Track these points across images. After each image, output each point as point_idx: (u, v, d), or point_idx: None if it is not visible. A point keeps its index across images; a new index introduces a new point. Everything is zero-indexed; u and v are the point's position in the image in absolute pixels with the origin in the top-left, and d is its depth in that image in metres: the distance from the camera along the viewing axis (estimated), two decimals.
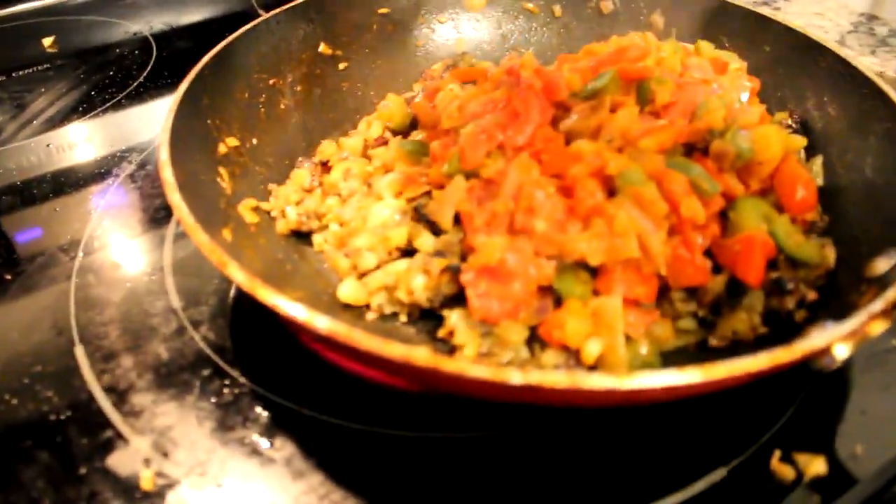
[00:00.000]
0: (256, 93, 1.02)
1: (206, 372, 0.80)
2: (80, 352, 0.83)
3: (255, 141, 0.98)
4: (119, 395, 0.78)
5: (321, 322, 0.59)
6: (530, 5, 1.23)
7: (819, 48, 0.99)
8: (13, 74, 1.39)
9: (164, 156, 0.75)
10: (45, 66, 1.41)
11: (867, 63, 1.24)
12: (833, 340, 0.62)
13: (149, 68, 1.40)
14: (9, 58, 1.44)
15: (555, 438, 0.73)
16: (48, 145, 1.19)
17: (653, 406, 0.71)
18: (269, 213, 0.93)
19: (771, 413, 0.75)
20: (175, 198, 0.71)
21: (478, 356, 0.74)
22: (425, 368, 0.56)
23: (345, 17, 1.14)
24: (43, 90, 1.33)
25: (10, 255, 0.98)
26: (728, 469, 0.70)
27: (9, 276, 0.94)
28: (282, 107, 1.05)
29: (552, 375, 0.55)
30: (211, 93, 0.92)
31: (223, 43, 0.96)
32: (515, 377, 0.55)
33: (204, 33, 1.51)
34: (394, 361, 0.57)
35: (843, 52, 0.97)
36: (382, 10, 1.18)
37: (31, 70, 1.40)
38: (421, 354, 0.56)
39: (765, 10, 1.32)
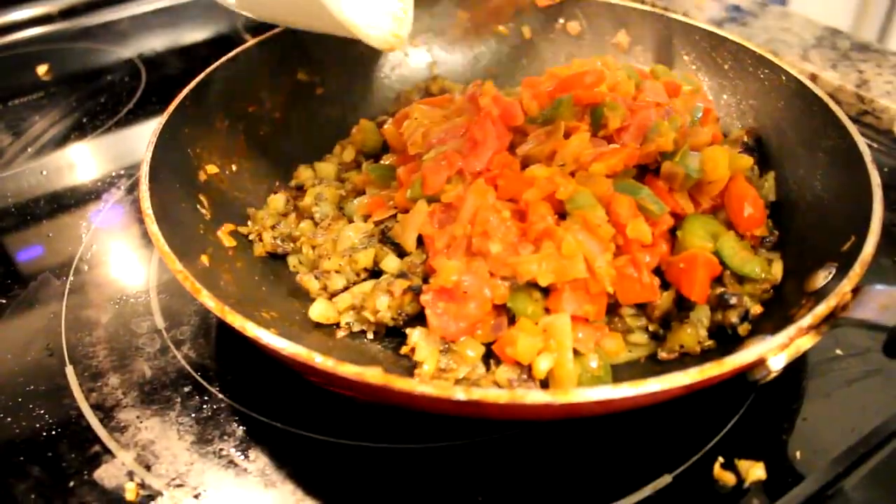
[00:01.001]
0: (236, 120, 1.06)
1: (186, 389, 0.85)
2: (70, 371, 0.88)
3: (234, 167, 1.03)
4: (106, 412, 0.83)
5: (283, 345, 0.64)
6: (500, 28, 1.27)
7: (773, 66, 1.04)
8: (9, 103, 1.44)
9: (143, 187, 0.80)
10: (39, 93, 1.46)
11: (828, 77, 1.28)
12: (762, 355, 0.66)
13: (139, 93, 1.44)
14: (5, 87, 1.48)
15: (510, 448, 0.77)
16: (42, 172, 1.24)
17: (602, 417, 0.76)
18: (246, 236, 0.97)
19: (715, 422, 0.79)
20: (153, 228, 0.76)
21: (437, 371, 0.79)
22: (377, 386, 0.61)
23: (321, 44, 1.17)
24: (37, 118, 1.38)
25: (4, 278, 1.03)
26: (673, 476, 0.74)
27: (2, 300, 0.99)
28: (261, 133, 1.10)
29: (493, 392, 0.60)
30: (192, 122, 0.97)
31: (203, 74, 1.01)
32: (459, 394, 0.60)
33: (191, 57, 1.56)
34: (348, 380, 0.62)
35: (796, 71, 1.01)
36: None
37: (26, 98, 1.45)
38: (373, 374, 0.61)
39: (730, 27, 1.37)
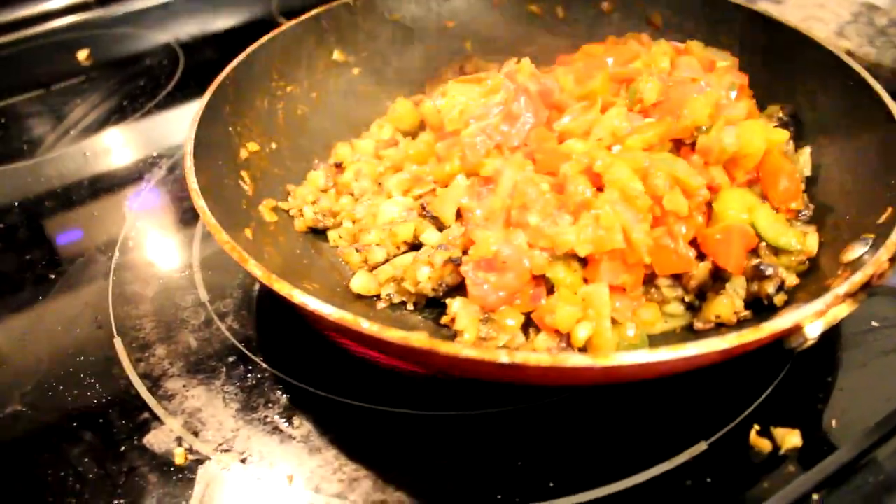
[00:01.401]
0: (275, 100, 1.08)
1: (231, 359, 0.87)
2: (118, 343, 0.91)
3: (274, 145, 1.05)
4: (154, 381, 0.85)
5: (330, 311, 0.66)
6: (534, 7, 1.28)
7: (809, 42, 1.04)
8: (51, 88, 1.47)
9: (188, 163, 0.83)
10: (80, 78, 1.50)
11: (865, 53, 1.27)
12: (799, 321, 0.67)
13: (177, 77, 1.47)
14: (48, 72, 1.52)
15: (547, 416, 0.79)
16: (85, 153, 1.28)
17: (641, 384, 0.77)
18: (287, 211, 1.00)
19: (752, 390, 0.80)
20: (199, 202, 0.78)
21: (477, 340, 0.80)
22: (422, 350, 0.63)
23: (357, 25, 1.20)
24: (79, 101, 1.42)
25: (52, 256, 1.06)
26: (709, 443, 0.75)
27: (52, 276, 1.02)
28: (299, 112, 1.12)
29: (535, 355, 0.61)
30: (233, 102, 0.99)
31: (242, 55, 1.03)
32: (503, 357, 0.61)
33: (227, 41, 1.59)
34: (394, 344, 0.63)
35: (832, 46, 1.01)
36: (394, 17, 1.24)
37: (67, 83, 1.49)
38: (418, 338, 0.63)
39: (765, 4, 1.36)
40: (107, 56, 1.59)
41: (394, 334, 0.63)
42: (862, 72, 0.95)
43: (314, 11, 1.15)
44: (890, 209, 0.80)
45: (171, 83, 1.46)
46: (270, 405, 0.82)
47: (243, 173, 0.96)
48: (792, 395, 0.80)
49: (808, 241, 0.88)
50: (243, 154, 0.99)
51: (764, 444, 0.75)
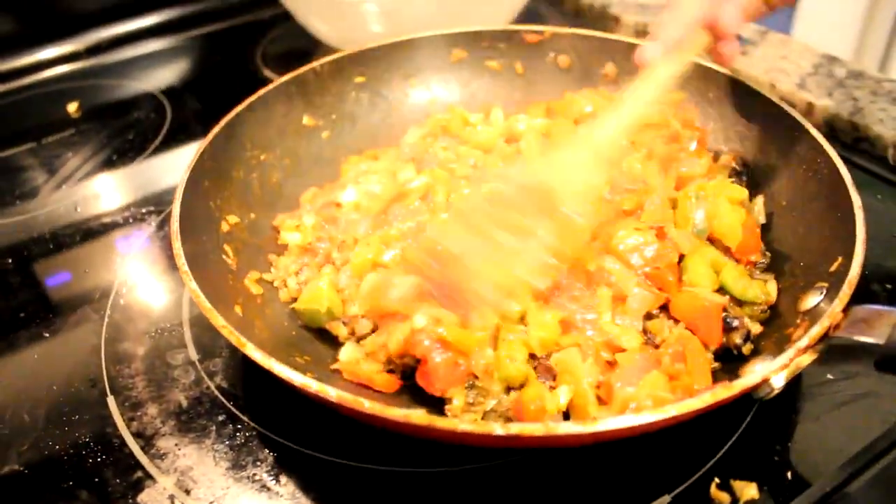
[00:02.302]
0: (250, 169, 1.12)
1: (220, 417, 0.91)
2: (111, 402, 0.95)
3: (253, 215, 1.09)
4: (146, 440, 0.89)
5: (331, 392, 0.70)
6: (493, 64, 1.33)
7: (756, 94, 1.10)
8: (43, 141, 1.51)
9: (177, 245, 0.87)
10: (70, 130, 1.54)
11: (824, 105, 1.34)
12: (766, 375, 0.73)
13: (165, 129, 1.51)
14: (39, 125, 1.56)
15: (516, 472, 0.84)
16: (76, 209, 1.32)
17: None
18: (272, 283, 1.03)
19: (714, 442, 0.85)
20: (192, 286, 0.82)
21: (466, 405, 0.85)
22: (422, 427, 0.68)
23: (324, 89, 1.25)
24: (70, 154, 1.46)
25: (46, 313, 1.10)
26: (672, 496, 0.80)
27: (47, 334, 1.06)
28: (274, 180, 1.16)
29: (529, 426, 0.67)
30: (210, 176, 1.03)
31: (216, 129, 1.07)
32: (499, 430, 0.67)
33: (213, 91, 1.63)
34: (395, 422, 0.68)
35: (777, 98, 1.08)
36: (359, 80, 1.29)
37: (59, 136, 1.52)
38: (418, 416, 0.68)
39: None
40: (96, 107, 1.63)
41: (395, 413, 0.68)
42: (806, 123, 1.02)
43: (283, 78, 1.20)
44: (840, 258, 0.85)
45: (159, 135, 1.50)
46: (258, 463, 0.86)
47: (226, 247, 1.00)
48: (750, 447, 0.85)
49: (769, 290, 0.94)
50: (224, 227, 1.02)
51: (723, 498, 0.79)
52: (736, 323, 0.89)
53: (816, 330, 0.75)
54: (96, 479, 0.86)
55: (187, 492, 0.83)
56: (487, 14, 1.52)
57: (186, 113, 1.57)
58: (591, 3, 1.78)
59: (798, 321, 0.86)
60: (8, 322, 1.09)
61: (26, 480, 0.86)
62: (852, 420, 0.86)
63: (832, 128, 1.33)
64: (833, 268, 0.86)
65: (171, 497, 0.83)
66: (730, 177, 1.08)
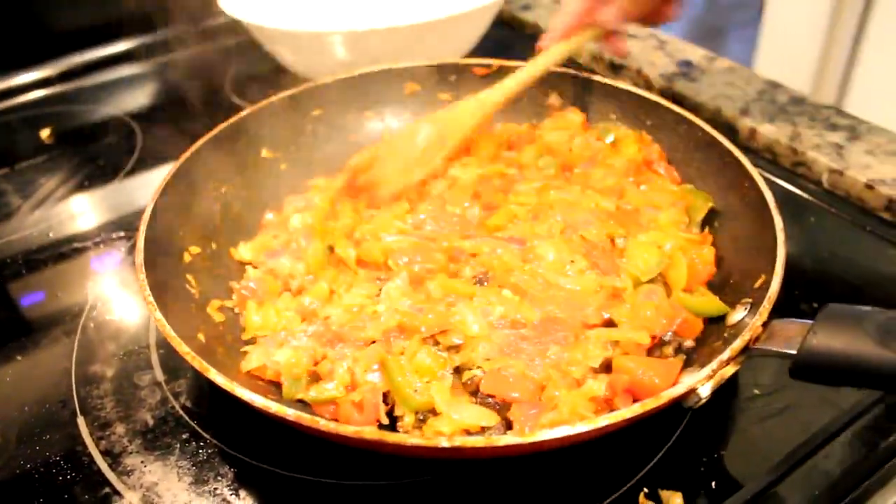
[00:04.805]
0: (212, 201, 1.17)
1: (184, 435, 0.96)
2: (81, 422, 0.99)
3: (214, 246, 1.13)
4: (114, 458, 0.94)
5: (290, 412, 0.76)
6: (444, 96, 1.40)
7: (689, 122, 1.19)
8: (15, 167, 1.55)
9: (141, 276, 0.92)
10: (44, 156, 1.58)
11: (765, 130, 1.41)
12: (691, 386, 0.79)
13: (136, 154, 1.56)
14: (12, 150, 1.60)
15: (465, 483, 0.89)
16: (49, 234, 1.36)
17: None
18: (232, 309, 1.08)
19: (646, 452, 0.91)
20: (157, 315, 0.87)
21: (416, 422, 0.90)
22: (373, 441, 0.74)
23: (281, 123, 1.30)
24: (44, 179, 1.50)
25: (19, 335, 1.14)
26: None
27: (20, 357, 1.11)
28: (235, 210, 1.21)
29: (471, 439, 0.74)
30: (172, 210, 1.08)
31: (177, 164, 1.12)
32: (444, 442, 0.73)
33: (184, 116, 1.63)
34: (348, 437, 0.75)
35: (708, 127, 1.16)
36: (315, 112, 1.35)
37: (32, 161, 1.57)
38: (369, 432, 0.75)
39: (681, 82, 1.53)
40: (68, 133, 1.67)
41: (347, 429, 0.74)
42: (734, 150, 1.09)
43: (241, 114, 1.25)
44: (763, 276, 0.92)
45: (131, 160, 1.54)
46: (220, 478, 0.91)
47: (189, 276, 1.05)
48: (679, 458, 0.90)
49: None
50: (187, 258, 1.07)
51: None
52: (668, 336, 0.96)
53: (737, 343, 0.82)
54: (66, 496, 0.90)
55: None
56: (449, 43, 1.57)
57: (156, 138, 1.62)
58: None
59: (725, 335, 0.93)
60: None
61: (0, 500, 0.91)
62: (774, 432, 0.93)
63: (773, 152, 1.41)
64: (757, 284, 0.93)
65: None
66: None
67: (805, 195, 1.32)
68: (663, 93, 1.58)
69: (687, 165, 1.21)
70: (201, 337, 0.96)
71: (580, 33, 1.20)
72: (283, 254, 1.11)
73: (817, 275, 1.14)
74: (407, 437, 0.74)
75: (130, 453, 0.95)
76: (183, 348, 0.83)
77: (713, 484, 0.87)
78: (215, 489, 0.90)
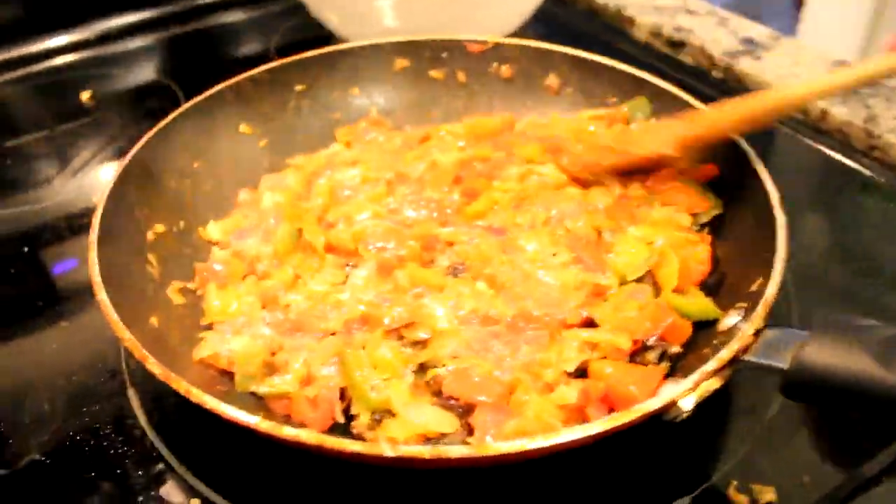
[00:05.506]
0: (183, 177, 1.11)
1: None
2: (132, 394, 0.95)
3: (182, 224, 1.08)
4: (168, 432, 0.90)
5: (229, 411, 0.71)
6: (435, 73, 1.31)
7: (692, 107, 1.07)
8: (56, 129, 1.53)
9: (92, 254, 0.87)
10: (84, 119, 1.56)
11: (837, 112, 1.29)
12: (671, 399, 0.71)
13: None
14: (52, 112, 1.58)
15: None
16: (93, 198, 1.31)
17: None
18: (195, 292, 1.02)
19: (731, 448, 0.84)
20: (101, 296, 0.82)
21: (372, 422, 0.84)
22: (313, 445, 0.69)
23: (263, 98, 1.23)
24: (84, 144, 1.48)
25: (62, 304, 1.11)
26: (692, 497, 0.79)
27: (64, 323, 1.07)
28: (206, 188, 1.14)
29: (418, 448, 0.68)
30: (139, 185, 1.02)
31: (147, 136, 1.06)
32: (388, 451, 0.68)
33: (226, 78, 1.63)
34: (289, 441, 0.70)
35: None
36: (299, 88, 1.27)
37: (72, 124, 1.54)
38: (308, 435, 0.69)
39: (745, 60, 1.45)
40: (110, 97, 1.65)
41: (287, 432, 0.69)
42: (745, 147, 0.97)
43: (220, 86, 1.19)
44: (760, 279, 0.82)
45: None
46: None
47: (150, 256, 1.00)
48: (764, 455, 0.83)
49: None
50: (150, 237, 1.02)
51: (742, 499, 0.78)
52: (651, 341, 0.88)
53: (724, 353, 0.72)
54: (118, 472, 0.86)
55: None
56: (499, 15, 1.49)
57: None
58: (606, 3, 1.73)
59: (715, 341, 0.83)
60: (22, 310, 1.11)
61: (49, 471, 0.88)
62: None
63: (846, 135, 1.29)
64: (753, 287, 0.83)
65: (192, 488, 0.84)
66: None
67: (880, 181, 1.21)
68: (727, 72, 1.48)
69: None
70: (154, 321, 0.91)
71: None
72: (253, 234, 1.06)
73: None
74: (349, 442, 0.68)
75: (185, 427, 0.90)
76: (125, 334, 0.79)
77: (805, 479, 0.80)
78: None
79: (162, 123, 1.10)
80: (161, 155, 1.09)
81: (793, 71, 1.41)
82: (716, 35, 1.57)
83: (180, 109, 1.13)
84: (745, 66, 1.45)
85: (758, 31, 1.57)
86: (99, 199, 0.96)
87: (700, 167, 1.04)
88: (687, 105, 1.08)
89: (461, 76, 1.32)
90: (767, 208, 0.87)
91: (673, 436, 0.81)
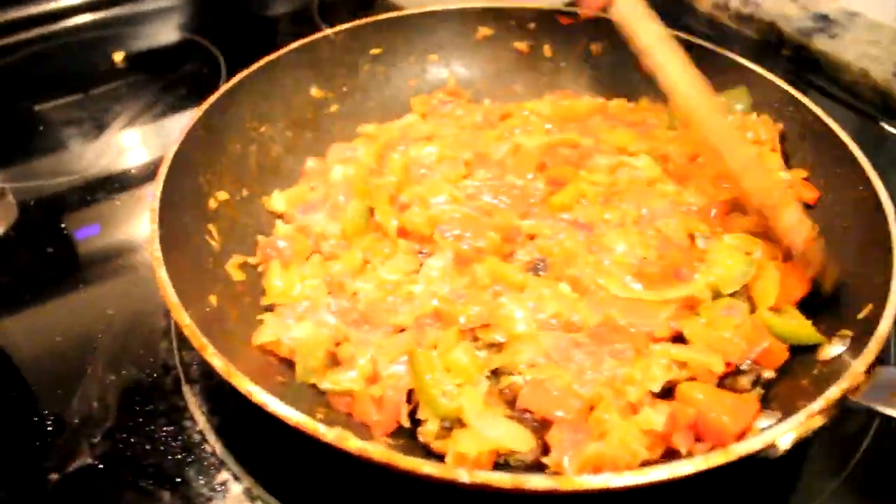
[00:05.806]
0: (248, 142, 1.05)
1: None
2: (187, 391, 0.88)
3: (245, 192, 1.03)
4: (230, 437, 0.83)
5: (289, 414, 0.66)
6: (520, 44, 1.24)
7: (799, 105, 1.01)
8: (90, 92, 1.45)
9: (154, 226, 0.81)
10: (118, 82, 1.48)
11: None
12: (771, 441, 0.65)
13: (221, 81, 1.41)
14: (84, 74, 1.50)
15: None
16: (131, 170, 1.25)
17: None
18: (256, 267, 0.96)
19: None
20: (162, 274, 0.77)
21: (440, 430, 0.78)
22: (381, 463, 0.63)
23: (337, 60, 1.17)
24: (119, 109, 1.40)
25: (113, 295, 1.03)
26: None
27: (111, 311, 0.99)
28: (273, 154, 1.09)
29: (497, 476, 0.61)
30: (203, 149, 0.96)
31: (213, 97, 1.00)
32: (464, 476, 0.62)
33: (267, 39, 1.54)
34: (354, 454, 0.64)
35: (822, 113, 0.98)
36: (374, 51, 1.21)
37: (105, 87, 1.47)
38: (376, 451, 0.63)
39: (820, 38, 1.35)
40: (143, 59, 1.56)
41: (352, 444, 0.63)
42: (851, 144, 0.91)
43: (292, 45, 1.12)
44: (870, 305, 0.76)
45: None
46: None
47: (210, 227, 0.95)
48: None
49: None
50: (212, 205, 0.97)
51: None
52: (746, 365, 0.81)
53: (832, 392, 0.66)
54: (178, 479, 0.80)
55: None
56: None
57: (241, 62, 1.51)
58: None
59: (815, 372, 0.77)
60: (61, 287, 1.03)
61: (102, 477, 0.81)
62: None
63: None
64: (862, 314, 0.77)
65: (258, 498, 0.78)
66: None
67: None
68: (799, 50, 1.37)
69: (791, 156, 1.02)
70: (213, 300, 0.86)
71: None
72: (320, 209, 0.99)
73: None
74: (421, 463, 0.62)
75: (245, 430, 0.83)
76: (184, 319, 0.73)
77: None
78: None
79: (228, 84, 1.03)
80: (227, 117, 1.03)
81: (871, 52, 1.31)
82: (787, 10, 1.46)
83: (248, 70, 1.07)
84: (820, 44, 1.36)
85: (830, 5, 1.45)
86: (162, 163, 0.89)
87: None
88: (791, 99, 1.01)
89: (547, 50, 1.25)
90: (881, 226, 0.80)
91: (758, 469, 0.74)
